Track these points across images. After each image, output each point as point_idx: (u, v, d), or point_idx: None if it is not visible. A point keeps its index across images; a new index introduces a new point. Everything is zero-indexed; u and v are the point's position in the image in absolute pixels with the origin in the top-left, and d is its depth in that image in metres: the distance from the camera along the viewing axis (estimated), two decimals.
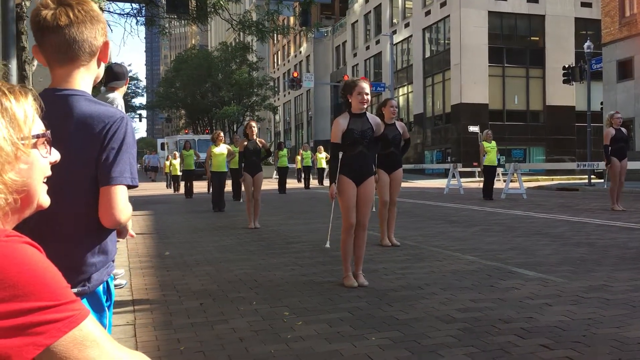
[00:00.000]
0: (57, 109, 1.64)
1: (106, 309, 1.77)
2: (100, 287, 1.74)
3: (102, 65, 1.82)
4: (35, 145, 1.01)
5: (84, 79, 1.74)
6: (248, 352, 3.45)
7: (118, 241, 1.94)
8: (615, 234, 8.30)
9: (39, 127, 1.03)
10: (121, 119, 1.70)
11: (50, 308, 0.86)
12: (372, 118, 5.39)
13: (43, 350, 0.85)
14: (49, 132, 1.05)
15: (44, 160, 1.05)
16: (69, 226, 1.68)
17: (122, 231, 1.87)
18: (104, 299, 1.76)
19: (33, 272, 0.86)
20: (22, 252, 0.87)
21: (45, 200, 1.07)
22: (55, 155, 1.09)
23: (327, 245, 6.05)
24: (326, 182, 24.98)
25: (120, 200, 1.68)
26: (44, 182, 1.07)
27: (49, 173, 1.07)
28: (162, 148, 38.98)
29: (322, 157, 25.14)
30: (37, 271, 0.87)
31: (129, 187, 1.72)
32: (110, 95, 5.09)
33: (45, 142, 1.05)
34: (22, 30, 7.73)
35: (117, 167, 1.67)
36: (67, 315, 0.87)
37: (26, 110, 0.99)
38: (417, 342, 3.59)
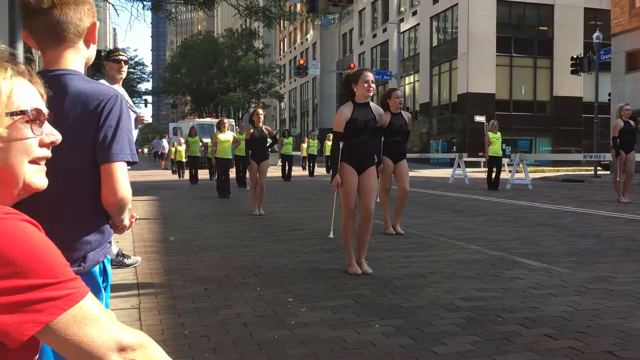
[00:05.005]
0: (50, 88, 1.64)
1: (102, 289, 1.77)
2: (97, 268, 1.74)
3: (93, 47, 1.83)
4: (15, 123, 0.97)
5: (74, 59, 1.76)
6: (252, 338, 3.46)
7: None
8: (621, 226, 8.27)
9: (25, 104, 0.99)
10: (115, 96, 1.72)
11: (50, 286, 0.85)
12: (376, 108, 5.41)
13: (42, 327, 0.84)
14: (40, 109, 1.01)
15: (29, 140, 0.99)
16: (63, 204, 1.68)
17: (118, 225, 1.84)
18: (100, 279, 1.76)
19: (32, 250, 0.85)
20: (21, 229, 0.86)
21: (36, 182, 1.03)
22: (53, 135, 1.05)
23: (331, 235, 6.06)
24: None
25: (122, 177, 1.70)
26: (38, 164, 1.03)
27: (40, 154, 1.02)
28: (175, 133, 38.34)
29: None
30: (37, 249, 0.86)
31: (130, 163, 1.74)
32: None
33: (33, 121, 0.99)
34: None
35: (117, 144, 1.69)
36: (67, 293, 0.87)
37: (1, 87, 0.95)
38: (421, 330, 3.59)
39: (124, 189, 1.71)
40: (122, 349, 0.92)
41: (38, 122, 1.01)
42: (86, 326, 0.88)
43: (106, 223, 1.78)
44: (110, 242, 1.81)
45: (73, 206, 1.69)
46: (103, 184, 1.69)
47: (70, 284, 0.88)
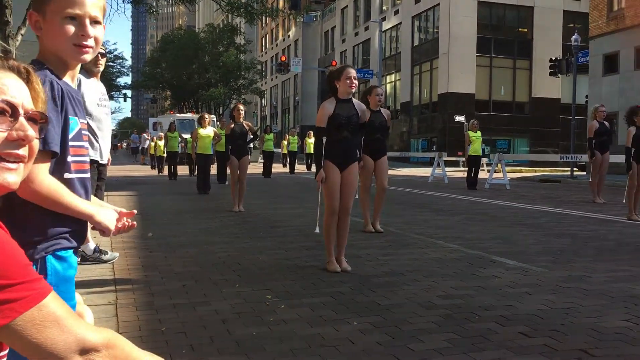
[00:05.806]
0: None
1: None
2: (36, 266, 1.59)
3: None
4: None
5: (40, 51, 1.73)
6: (230, 334, 3.46)
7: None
8: (596, 226, 8.41)
9: None
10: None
11: (5, 288, 0.82)
12: (358, 104, 5.44)
13: None
14: (10, 102, 0.97)
15: None
16: None
17: (98, 227, 1.74)
18: None
19: None
20: None
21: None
22: (22, 132, 0.98)
23: (317, 230, 6.05)
24: (314, 168, 25.03)
25: (33, 169, 1.53)
26: (6, 160, 0.98)
27: (5, 149, 0.97)
28: (154, 128, 37.46)
29: (312, 142, 25.10)
30: None
31: (52, 154, 1.59)
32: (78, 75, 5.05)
33: None
34: (7, 4, 7.57)
35: None
36: (23, 295, 0.84)
37: None
38: (398, 327, 3.62)
39: (34, 184, 1.52)
40: (84, 351, 0.89)
41: (3, 115, 0.96)
42: (45, 329, 0.85)
43: (48, 221, 1.61)
44: (67, 239, 1.66)
45: None
46: None
47: (28, 285, 0.85)
